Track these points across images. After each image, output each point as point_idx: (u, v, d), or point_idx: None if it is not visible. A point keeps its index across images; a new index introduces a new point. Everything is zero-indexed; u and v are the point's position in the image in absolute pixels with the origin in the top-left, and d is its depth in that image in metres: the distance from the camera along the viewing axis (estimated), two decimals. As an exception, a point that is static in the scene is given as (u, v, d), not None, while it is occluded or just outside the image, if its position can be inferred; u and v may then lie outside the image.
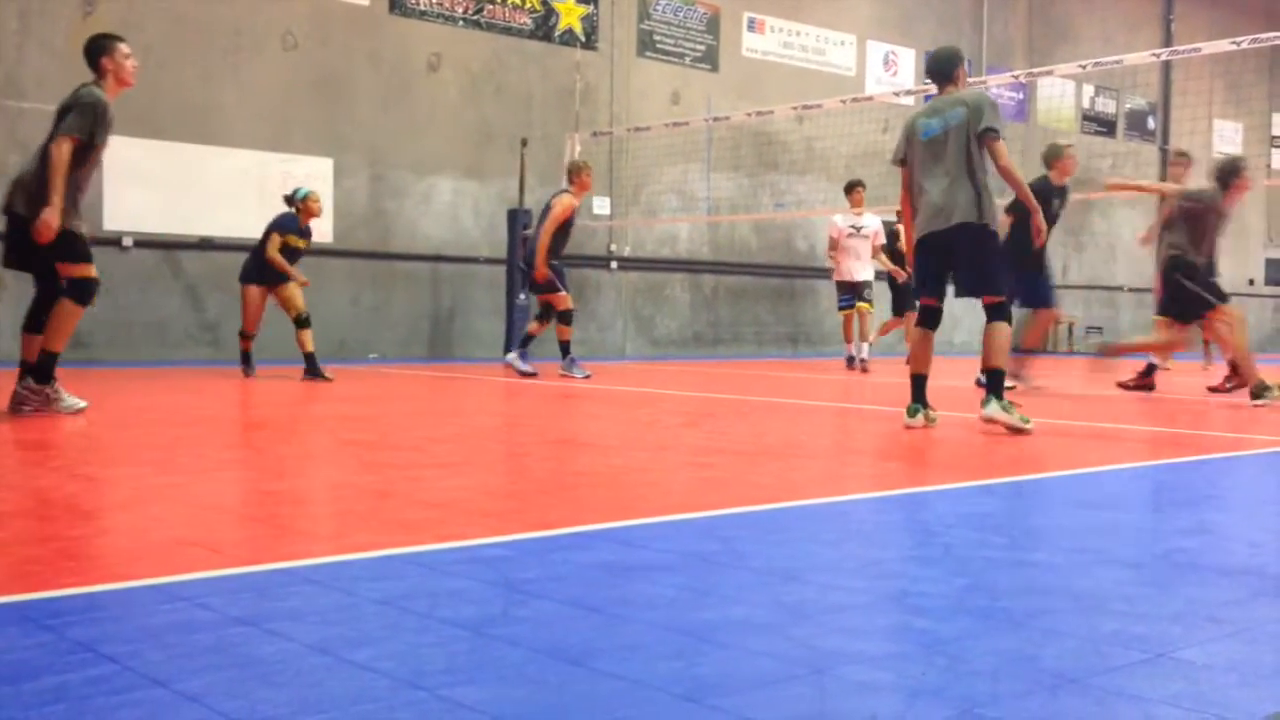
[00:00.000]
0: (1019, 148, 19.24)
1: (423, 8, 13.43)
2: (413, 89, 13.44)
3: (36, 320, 6.02)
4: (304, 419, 6.48)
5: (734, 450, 5.07)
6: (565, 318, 10.10)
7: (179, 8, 11.85)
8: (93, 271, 5.96)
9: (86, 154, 5.93)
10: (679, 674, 1.89)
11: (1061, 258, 20.41)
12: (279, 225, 9.53)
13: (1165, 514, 3.89)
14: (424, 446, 5.12)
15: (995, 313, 5.92)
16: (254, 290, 9.47)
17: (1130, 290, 21.76)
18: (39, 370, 5.89)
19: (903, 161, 6.16)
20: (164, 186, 11.79)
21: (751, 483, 4.18)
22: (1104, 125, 21.22)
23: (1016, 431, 5.66)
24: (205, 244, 12.01)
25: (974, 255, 5.91)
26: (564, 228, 9.98)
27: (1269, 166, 22.54)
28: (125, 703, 1.71)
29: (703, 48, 15.93)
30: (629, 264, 15.28)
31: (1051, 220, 8.20)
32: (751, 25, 16.39)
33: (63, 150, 5.78)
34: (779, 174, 16.66)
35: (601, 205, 14.96)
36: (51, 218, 5.69)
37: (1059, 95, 20.31)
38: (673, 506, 3.61)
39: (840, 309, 12.45)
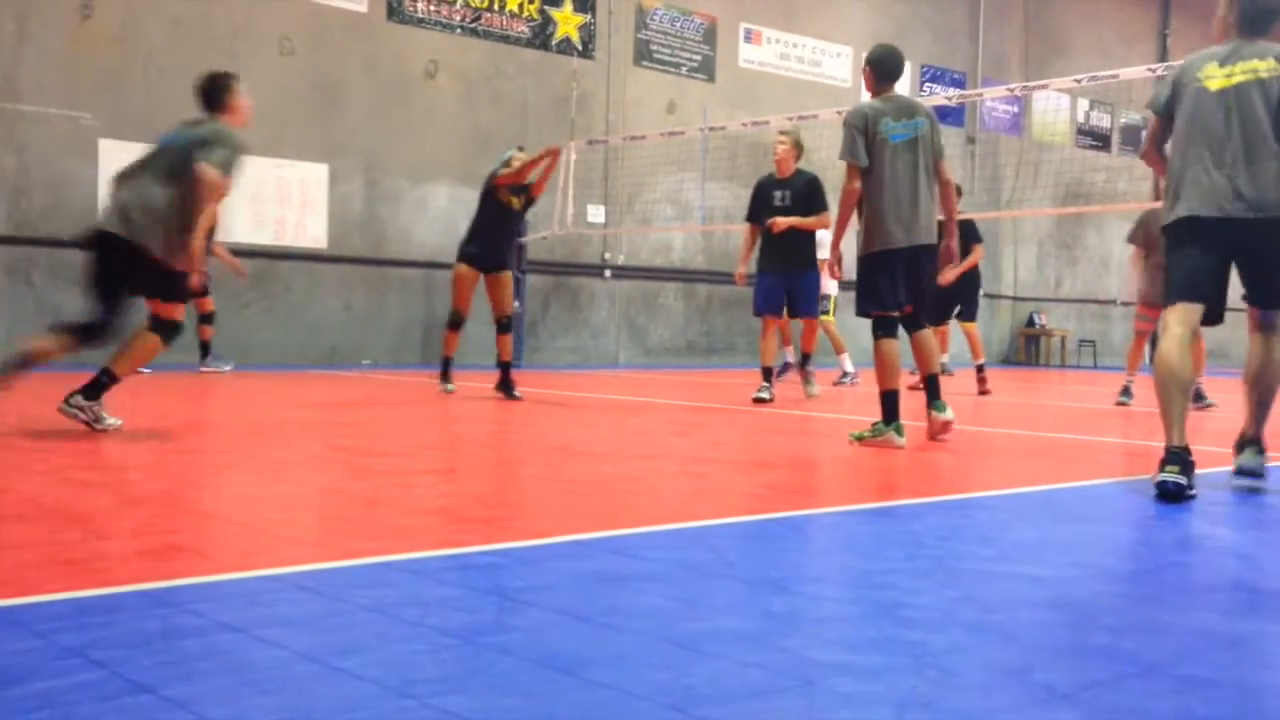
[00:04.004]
0: (1014, 161, 19.30)
1: (420, 15, 13.44)
2: (409, 96, 13.45)
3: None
4: (294, 424, 6.46)
5: (726, 460, 5.07)
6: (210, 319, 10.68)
7: (176, 12, 11.85)
8: (182, 315, 5.70)
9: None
10: (669, 684, 1.88)
11: (1055, 271, 20.47)
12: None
13: (1157, 528, 3.89)
14: (415, 453, 5.11)
15: (920, 323, 5.94)
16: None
17: (1123, 304, 21.80)
18: (91, 386, 5.55)
19: (868, 167, 5.69)
20: (159, 190, 11.78)
21: (743, 493, 4.18)
22: (1099, 139, 21.28)
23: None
24: (199, 248, 11.99)
25: (930, 275, 5.93)
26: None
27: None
28: (113, 709, 1.70)
29: (699, 58, 15.96)
30: (623, 272, 15.28)
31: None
32: (748, 36, 16.43)
33: (217, 179, 5.40)
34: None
35: (596, 213, 14.97)
36: (196, 251, 5.39)
37: (1054, 109, 20.37)
38: (664, 516, 3.60)
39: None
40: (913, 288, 5.83)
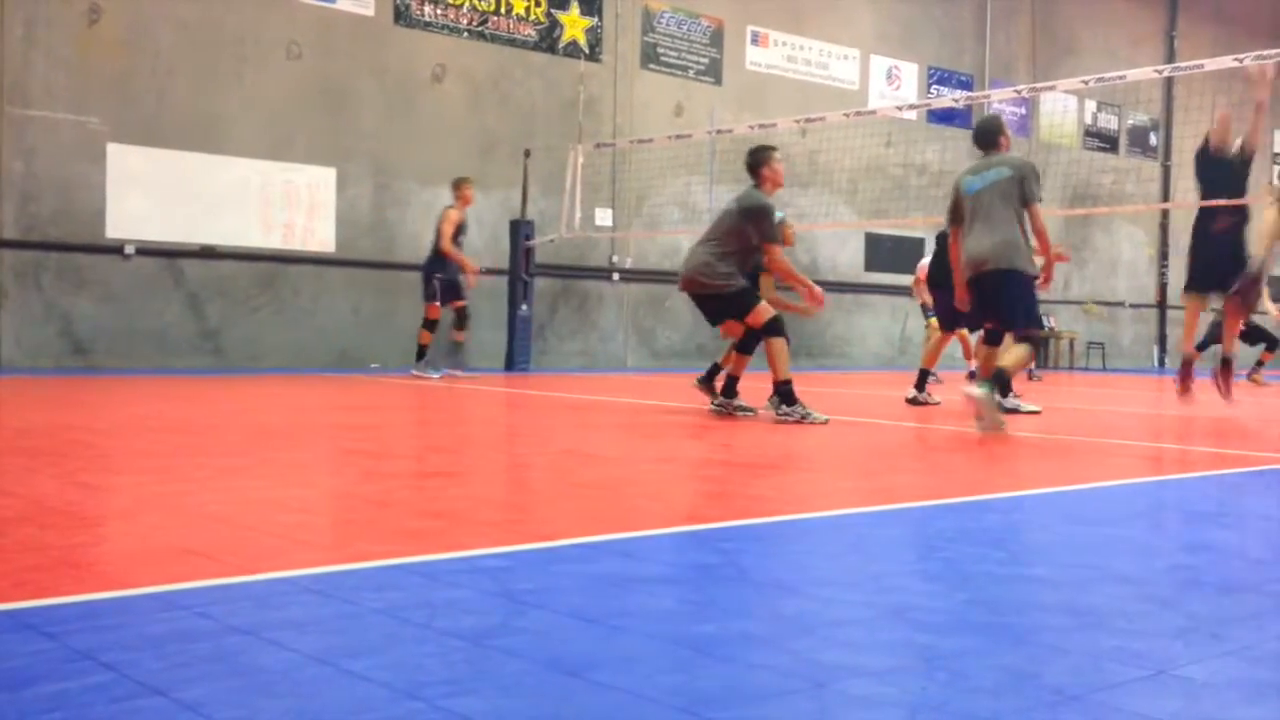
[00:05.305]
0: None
1: (427, 19, 13.46)
2: (417, 99, 13.47)
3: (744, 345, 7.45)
4: (304, 428, 6.47)
5: (735, 462, 5.07)
6: (431, 326, 11.59)
7: (185, 17, 11.89)
8: (770, 313, 7.09)
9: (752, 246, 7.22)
10: (679, 687, 1.88)
11: (1063, 272, 20.44)
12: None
13: (1166, 530, 3.89)
14: (424, 456, 5.11)
15: (998, 336, 7.41)
16: None
17: (1131, 306, 21.76)
18: (784, 394, 7.07)
19: (954, 219, 7.05)
20: (167, 195, 11.81)
21: (753, 495, 4.18)
22: (1106, 141, 21.25)
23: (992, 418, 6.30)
24: (207, 252, 12.02)
25: (1000, 295, 6.83)
26: (455, 238, 11.33)
27: (1272, 184, 22.53)
28: (124, 711, 1.71)
29: (706, 60, 15.96)
30: (631, 276, 15.29)
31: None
32: (755, 39, 16.43)
33: (777, 252, 7.26)
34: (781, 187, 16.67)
35: (604, 217, 14.98)
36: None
37: (1061, 110, 20.34)
38: (673, 518, 3.60)
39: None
40: (991, 307, 6.96)
